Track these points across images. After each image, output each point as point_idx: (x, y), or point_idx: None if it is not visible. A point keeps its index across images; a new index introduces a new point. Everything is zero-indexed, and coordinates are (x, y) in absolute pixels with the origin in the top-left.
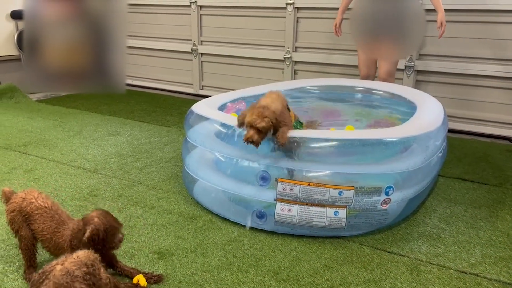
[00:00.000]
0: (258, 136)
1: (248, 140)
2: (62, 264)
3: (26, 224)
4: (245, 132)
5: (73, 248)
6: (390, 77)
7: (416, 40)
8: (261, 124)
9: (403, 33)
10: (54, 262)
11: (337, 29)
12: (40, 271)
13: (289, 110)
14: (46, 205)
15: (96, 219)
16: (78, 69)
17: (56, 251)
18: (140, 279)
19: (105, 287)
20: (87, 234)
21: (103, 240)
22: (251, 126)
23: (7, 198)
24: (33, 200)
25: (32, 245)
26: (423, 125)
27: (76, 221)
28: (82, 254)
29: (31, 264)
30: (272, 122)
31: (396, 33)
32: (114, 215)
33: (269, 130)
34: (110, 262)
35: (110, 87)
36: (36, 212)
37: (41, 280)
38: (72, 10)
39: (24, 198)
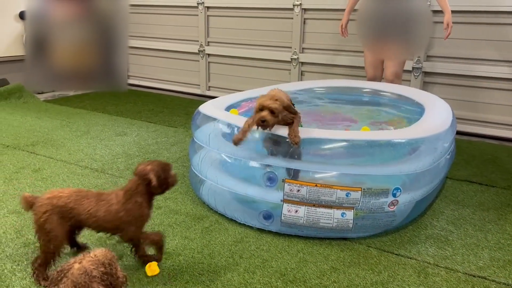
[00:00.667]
0: (271, 117)
1: (261, 119)
2: (80, 263)
3: (61, 222)
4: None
5: (132, 206)
6: (397, 79)
7: (422, 40)
8: (274, 105)
9: (409, 33)
10: (72, 260)
11: (343, 30)
12: (58, 269)
13: (293, 104)
14: (73, 191)
15: (148, 167)
16: (81, 68)
17: (104, 223)
18: (152, 265)
19: (122, 285)
20: (154, 182)
21: (165, 179)
22: (263, 107)
23: (30, 203)
24: (61, 194)
25: (60, 245)
26: (431, 126)
27: (116, 190)
28: (100, 253)
29: (48, 263)
30: (283, 107)
31: (402, 33)
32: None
33: (280, 115)
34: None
35: (113, 85)
36: (68, 201)
37: (59, 278)
38: (75, 10)
39: (51, 197)
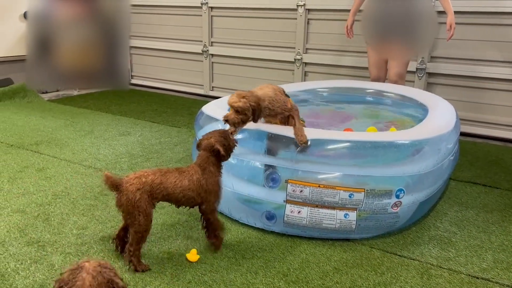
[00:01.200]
0: (234, 116)
1: (224, 119)
2: (88, 262)
3: (150, 200)
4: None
5: (209, 176)
6: (401, 79)
7: (427, 41)
8: (238, 103)
9: (414, 33)
10: (76, 263)
11: (348, 31)
12: (70, 268)
13: (287, 96)
14: (156, 170)
15: (211, 140)
16: (84, 67)
17: (190, 191)
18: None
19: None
20: (222, 152)
21: (228, 145)
22: (230, 106)
23: (116, 183)
24: (146, 173)
25: (151, 222)
26: (435, 128)
27: (190, 165)
28: (101, 261)
29: (143, 241)
30: (250, 105)
31: (407, 33)
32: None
33: (247, 112)
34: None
35: (115, 84)
36: (155, 177)
37: (73, 277)
38: (77, 11)
39: (139, 176)
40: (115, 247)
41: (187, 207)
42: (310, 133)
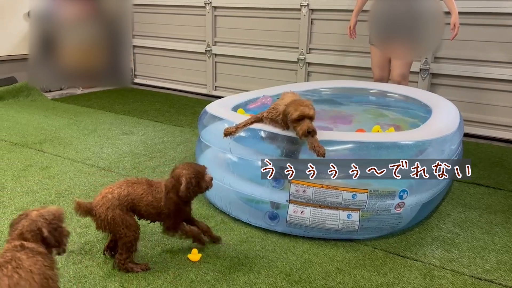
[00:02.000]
0: (312, 124)
1: (307, 132)
2: (38, 211)
3: (127, 212)
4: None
5: (168, 201)
6: (404, 80)
7: (433, 41)
8: (311, 111)
9: (419, 34)
10: (31, 209)
11: (351, 32)
12: (20, 214)
13: None
14: (123, 182)
15: (184, 172)
16: (86, 66)
17: (151, 208)
18: (194, 254)
19: (65, 237)
20: (182, 188)
21: (197, 184)
22: (302, 118)
23: (87, 209)
24: (111, 189)
25: (137, 229)
26: (438, 128)
27: (163, 180)
28: (53, 208)
29: (134, 250)
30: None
31: (412, 33)
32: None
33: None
34: (188, 219)
35: (117, 82)
36: (121, 190)
37: (18, 220)
38: (80, 10)
39: (104, 195)
40: (109, 256)
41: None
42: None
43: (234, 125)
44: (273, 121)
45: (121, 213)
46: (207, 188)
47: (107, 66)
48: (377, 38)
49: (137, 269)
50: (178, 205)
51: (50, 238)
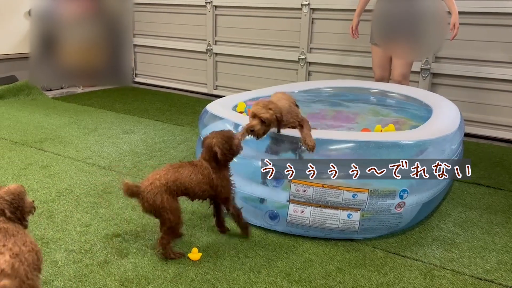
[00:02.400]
0: (260, 127)
1: (249, 129)
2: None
3: (173, 197)
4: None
5: (215, 171)
6: (405, 80)
7: (436, 42)
8: (265, 115)
9: (421, 34)
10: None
11: (353, 32)
12: None
13: (297, 107)
14: (168, 168)
15: (213, 140)
16: (87, 65)
17: (204, 184)
18: (194, 252)
19: (30, 211)
20: (219, 155)
21: (230, 148)
22: (254, 116)
23: (134, 192)
24: (159, 175)
25: (180, 215)
26: (439, 128)
27: (199, 159)
28: (13, 186)
29: (177, 236)
30: (276, 116)
31: (413, 34)
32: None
33: (272, 124)
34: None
35: (118, 81)
36: (169, 175)
37: None
38: (81, 9)
39: (153, 181)
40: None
41: (201, 200)
42: (316, 133)
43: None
44: None
45: (169, 198)
46: (237, 152)
47: (108, 65)
48: (380, 37)
49: (173, 256)
50: (224, 174)
51: (13, 218)
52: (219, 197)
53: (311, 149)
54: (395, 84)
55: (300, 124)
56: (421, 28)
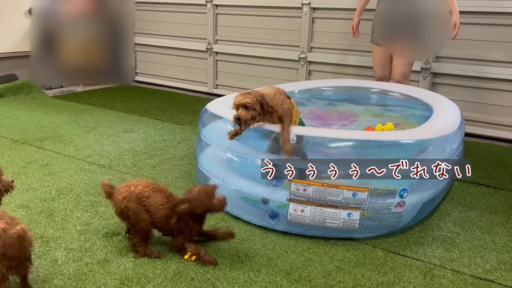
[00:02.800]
0: (245, 113)
1: (235, 118)
2: None
3: (142, 207)
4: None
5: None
6: (405, 79)
7: (438, 42)
8: (245, 99)
9: (426, 34)
10: None
11: (354, 31)
12: None
13: (288, 98)
14: (150, 186)
15: (190, 195)
16: (88, 63)
17: (163, 224)
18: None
19: (8, 189)
20: (179, 210)
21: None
22: (237, 106)
23: (109, 192)
24: (140, 184)
25: (149, 225)
26: (440, 128)
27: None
28: None
29: (146, 241)
30: (257, 99)
31: (419, 33)
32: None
33: (256, 108)
34: (200, 233)
35: (119, 79)
36: (145, 190)
37: None
38: (82, 8)
39: (129, 186)
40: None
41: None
42: (314, 132)
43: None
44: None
45: (137, 208)
46: (220, 208)
47: (109, 64)
48: (382, 36)
49: (148, 254)
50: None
51: None
52: (173, 238)
53: (288, 154)
54: (396, 83)
55: (281, 117)
56: (423, 28)
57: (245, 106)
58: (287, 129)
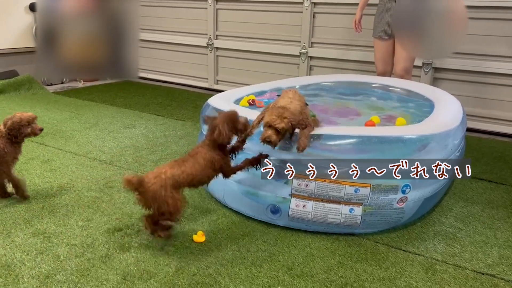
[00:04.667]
0: (276, 137)
1: (266, 140)
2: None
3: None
4: (262, 131)
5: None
6: (407, 74)
7: (450, 45)
8: (281, 125)
9: (439, 35)
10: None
11: (357, 26)
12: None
13: (306, 104)
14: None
15: (216, 121)
16: (93, 59)
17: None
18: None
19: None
20: (216, 135)
21: (233, 128)
22: (269, 126)
23: (138, 184)
24: (164, 171)
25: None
26: (442, 123)
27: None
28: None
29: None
30: (291, 123)
31: (432, 33)
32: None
33: (287, 132)
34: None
35: (124, 74)
36: (173, 173)
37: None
38: (87, 4)
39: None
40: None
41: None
42: (319, 129)
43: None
44: None
45: (173, 191)
46: (245, 128)
47: (114, 59)
48: (397, 30)
49: (162, 235)
50: (223, 155)
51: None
52: (225, 174)
53: (301, 150)
54: (397, 78)
55: (308, 126)
56: (438, 29)
57: (277, 130)
58: (309, 129)
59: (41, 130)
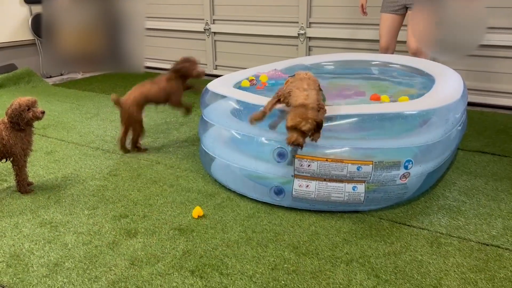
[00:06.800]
0: (303, 139)
1: (294, 143)
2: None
3: (140, 110)
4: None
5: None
6: (421, 50)
7: (470, 46)
8: (306, 126)
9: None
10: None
11: (364, 9)
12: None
13: (320, 90)
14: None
15: (180, 60)
16: (98, 51)
17: (165, 95)
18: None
19: (26, 117)
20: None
21: (186, 70)
22: (294, 128)
23: (118, 102)
24: (142, 87)
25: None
26: (442, 97)
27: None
28: (23, 99)
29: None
30: (316, 122)
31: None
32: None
33: (312, 129)
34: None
35: (129, 67)
36: (144, 92)
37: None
38: None
39: (131, 93)
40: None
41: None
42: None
43: (260, 110)
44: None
45: (138, 112)
46: (198, 75)
47: (121, 51)
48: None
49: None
50: (178, 83)
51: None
52: (171, 102)
53: (314, 140)
54: (411, 54)
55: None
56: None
57: (303, 132)
58: (322, 115)
59: (43, 112)
